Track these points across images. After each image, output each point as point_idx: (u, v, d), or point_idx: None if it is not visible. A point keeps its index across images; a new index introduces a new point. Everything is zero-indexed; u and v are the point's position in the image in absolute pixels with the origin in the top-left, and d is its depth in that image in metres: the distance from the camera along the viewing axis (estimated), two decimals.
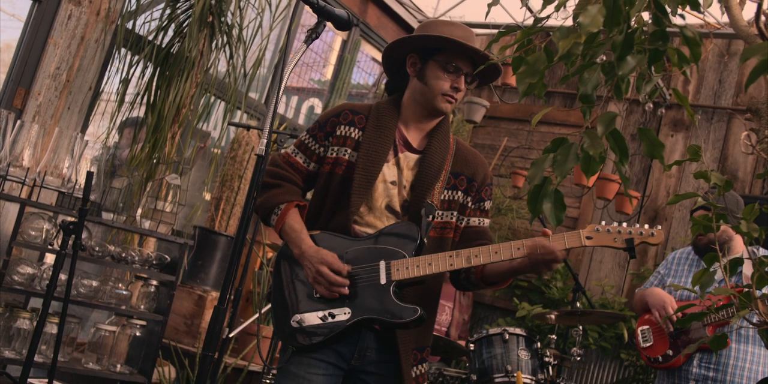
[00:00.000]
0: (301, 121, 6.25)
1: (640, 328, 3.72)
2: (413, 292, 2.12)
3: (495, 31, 5.47)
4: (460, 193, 2.22)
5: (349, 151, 2.17)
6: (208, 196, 5.12)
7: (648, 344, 3.62)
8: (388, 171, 2.18)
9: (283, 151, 2.31)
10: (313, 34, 2.02)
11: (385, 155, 2.17)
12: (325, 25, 2.05)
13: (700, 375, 3.39)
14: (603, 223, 2.03)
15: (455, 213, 2.21)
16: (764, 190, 5.42)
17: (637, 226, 2.01)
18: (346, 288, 2.05)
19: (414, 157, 2.21)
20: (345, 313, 2.05)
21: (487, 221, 2.29)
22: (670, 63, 1.30)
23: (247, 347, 4.09)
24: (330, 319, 2.05)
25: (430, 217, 2.12)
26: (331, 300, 2.07)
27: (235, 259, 1.77)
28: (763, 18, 1.40)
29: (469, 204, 2.24)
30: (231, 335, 3.45)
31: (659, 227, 2.02)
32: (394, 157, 2.20)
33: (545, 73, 1.24)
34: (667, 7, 1.23)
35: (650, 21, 1.23)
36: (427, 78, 2.18)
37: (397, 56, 2.26)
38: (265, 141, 1.84)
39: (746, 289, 1.44)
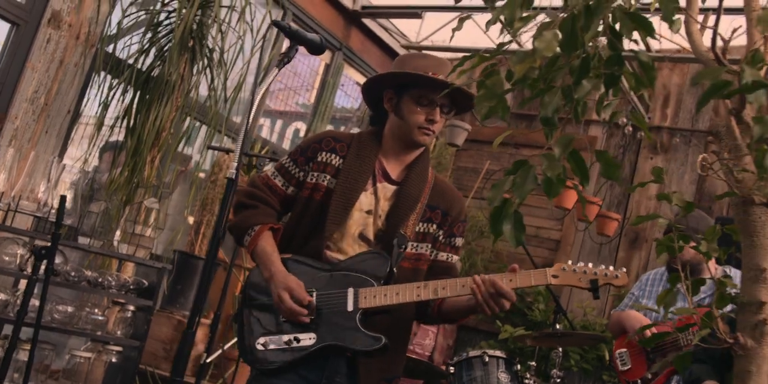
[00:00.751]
0: (285, 145, 6.26)
1: (617, 351, 3.71)
2: (383, 321, 2.12)
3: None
4: (434, 226, 2.24)
5: (328, 177, 2.20)
6: (191, 220, 5.11)
7: (626, 367, 3.62)
8: (365, 200, 2.20)
9: (262, 173, 2.33)
10: (285, 58, 2.05)
11: (363, 184, 2.19)
12: (297, 49, 2.07)
13: None
14: (570, 262, 2.07)
15: (429, 245, 2.23)
16: None
17: (603, 267, 2.05)
18: (307, 318, 2.06)
19: (392, 188, 2.23)
20: (310, 338, 2.06)
21: (455, 258, 2.30)
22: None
23: (227, 372, 4.05)
24: (295, 344, 2.05)
25: (402, 247, 2.14)
26: (298, 325, 2.07)
27: (205, 282, 1.76)
28: (721, 43, 1.43)
29: (440, 237, 2.26)
30: (209, 360, 3.42)
31: (624, 270, 2.06)
32: (372, 186, 2.22)
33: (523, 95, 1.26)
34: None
35: (607, 46, 1.25)
36: (402, 112, 2.21)
37: (375, 92, 2.30)
38: (236, 164, 1.84)
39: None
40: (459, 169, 6.69)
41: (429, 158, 2.32)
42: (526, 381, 3.47)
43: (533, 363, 3.77)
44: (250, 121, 1.86)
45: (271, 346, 2.07)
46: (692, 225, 3.35)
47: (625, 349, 3.66)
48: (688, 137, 5.97)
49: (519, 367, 3.50)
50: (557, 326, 4.03)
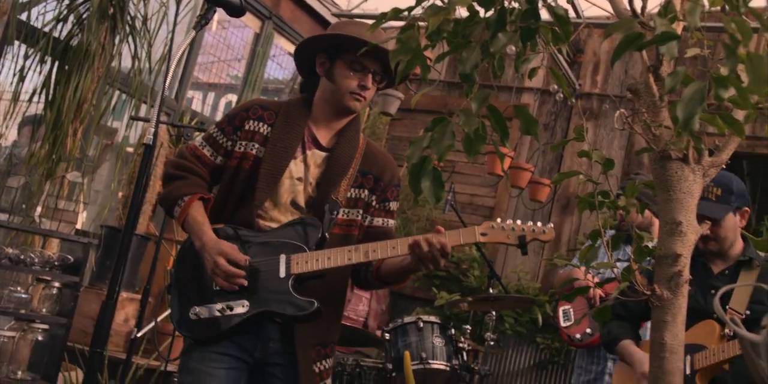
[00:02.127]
0: (218, 118, 6.13)
1: (562, 308, 3.81)
2: (316, 287, 2.11)
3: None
4: (366, 191, 2.23)
5: (256, 146, 2.17)
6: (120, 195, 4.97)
7: (568, 323, 3.72)
8: (295, 167, 2.18)
9: (191, 143, 2.28)
10: (203, 19, 1.98)
11: (292, 151, 2.17)
12: (215, 11, 2.01)
13: None
14: (498, 220, 2.07)
15: (361, 211, 2.22)
16: None
17: (530, 223, 2.07)
18: (244, 279, 2.04)
19: (322, 154, 2.21)
20: (243, 306, 2.04)
21: (392, 222, 2.30)
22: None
23: (161, 347, 3.99)
24: (228, 312, 2.04)
25: (334, 213, 2.13)
26: (230, 293, 2.06)
27: (124, 251, 1.71)
28: (640, 2, 1.43)
29: (374, 202, 2.25)
30: (139, 335, 3.36)
31: (551, 225, 2.08)
32: (301, 154, 2.20)
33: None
34: None
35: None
36: (335, 77, 2.18)
37: (308, 57, 2.26)
38: (153, 130, 1.78)
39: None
40: (393, 139, 6.67)
41: (360, 124, 2.31)
42: (461, 345, 3.52)
43: (468, 327, 3.82)
44: (167, 84, 1.80)
45: (204, 316, 2.05)
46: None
47: (569, 306, 3.76)
48: (617, 103, 6.08)
49: (453, 331, 3.54)
50: (491, 291, 4.10)
